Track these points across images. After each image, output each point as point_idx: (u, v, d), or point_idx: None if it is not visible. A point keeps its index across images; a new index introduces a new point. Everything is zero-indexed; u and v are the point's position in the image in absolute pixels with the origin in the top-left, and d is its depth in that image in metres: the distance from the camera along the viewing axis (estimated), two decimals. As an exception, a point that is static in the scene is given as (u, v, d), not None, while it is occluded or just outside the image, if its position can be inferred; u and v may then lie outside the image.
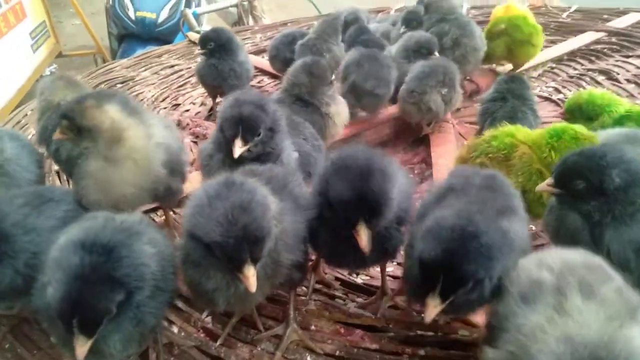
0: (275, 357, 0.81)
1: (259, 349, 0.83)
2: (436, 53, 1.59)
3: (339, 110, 1.28)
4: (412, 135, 1.61)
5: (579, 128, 1.04)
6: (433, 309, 0.65)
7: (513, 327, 0.58)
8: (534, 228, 1.10)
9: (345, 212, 0.72)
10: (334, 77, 1.31)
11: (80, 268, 0.63)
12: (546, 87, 1.88)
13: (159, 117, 1.08)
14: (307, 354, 0.82)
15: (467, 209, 0.69)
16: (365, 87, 1.48)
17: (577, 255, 0.65)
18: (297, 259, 0.76)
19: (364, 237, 0.72)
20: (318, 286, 0.98)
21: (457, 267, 0.62)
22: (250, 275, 0.65)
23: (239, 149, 0.86)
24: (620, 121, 1.20)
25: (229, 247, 0.63)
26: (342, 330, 0.86)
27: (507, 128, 1.09)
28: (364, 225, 0.72)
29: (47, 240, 0.78)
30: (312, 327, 0.87)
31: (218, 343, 0.84)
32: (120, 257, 0.65)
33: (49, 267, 0.66)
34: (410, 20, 1.81)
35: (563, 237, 0.86)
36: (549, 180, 0.83)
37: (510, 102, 1.31)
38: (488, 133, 1.10)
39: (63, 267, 0.63)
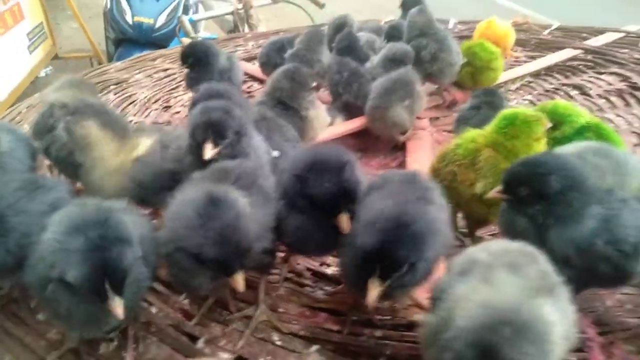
0: (244, 335, 0.88)
1: (231, 328, 0.90)
2: (409, 66, 1.66)
3: (318, 114, 1.36)
4: (391, 142, 1.69)
5: (526, 111, 1.13)
6: (374, 291, 0.73)
7: (446, 296, 0.65)
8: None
9: (329, 203, 0.83)
10: (315, 84, 1.39)
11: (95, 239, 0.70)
12: (522, 99, 1.98)
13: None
14: (274, 333, 0.89)
15: (398, 199, 0.78)
16: (357, 104, 1.65)
17: (516, 244, 0.73)
18: (267, 246, 0.84)
19: (346, 222, 0.82)
20: (290, 275, 1.04)
21: (393, 253, 0.71)
22: (240, 279, 0.76)
23: (209, 151, 0.92)
24: (580, 131, 1.28)
25: (224, 262, 0.74)
26: (308, 313, 0.93)
27: (469, 134, 1.16)
28: (345, 213, 0.82)
29: (36, 223, 0.85)
30: (281, 310, 0.94)
31: (193, 322, 0.90)
32: (120, 222, 0.73)
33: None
34: (392, 36, 1.90)
35: (513, 237, 0.94)
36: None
37: (483, 111, 1.39)
38: (453, 141, 1.18)
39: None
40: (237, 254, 0.73)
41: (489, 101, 1.42)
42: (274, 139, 1.12)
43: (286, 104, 1.31)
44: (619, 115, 1.76)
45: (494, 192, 0.93)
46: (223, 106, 0.97)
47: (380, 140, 1.72)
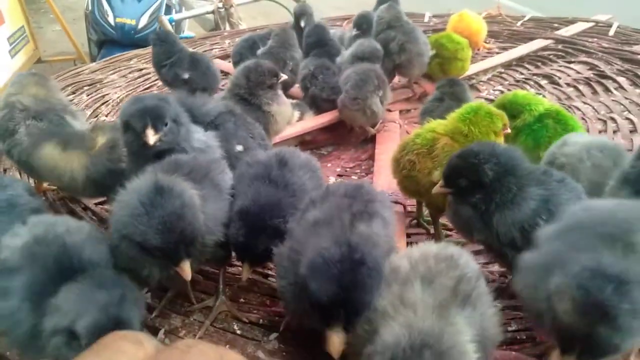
0: (204, 325, 0.90)
1: (191, 319, 0.92)
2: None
3: (281, 109, 1.39)
4: (362, 135, 1.71)
5: (491, 107, 1.17)
6: (338, 343, 0.65)
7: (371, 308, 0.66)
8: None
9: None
10: (276, 79, 1.40)
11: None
12: (493, 90, 2.01)
13: None
14: (234, 323, 0.91)
15: (338, 233, 0.71)
16: (322, 96, 1.69)
17: (433, 248, 0.75)
18: (220, 239, 0.86)
19: None
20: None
21: (359, 299, 0.64)
22: (186, 267, 0.77)
23: (152, 136, 0.91)
24: (540, 118, 1.31)
25: (169, 250, 0.75)
26: (268, 302, 0.95)
27: (429, 124, 1.19)
28: None
29: None
30: (241, 300, 0.96)
31: (153, 314, 0.92)
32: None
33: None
34: (361, 24, 1.92)
35: (461, 227, 0.99)
36: (441, 182, 0.96)
37: (446, 102, 1.42)
38: (413, 132, 1.21)
39: None
40: (182, 242, 0.74)
41: (452, 92, 1.45)
42: (240, 134, 1.13)
43: (247, 100, 1.33)
44: (586, 103, 1.79)
45: (437, 188, 0.96)
46: (156, 95, 0.97)
47: (352, 134, 1.74)
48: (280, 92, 1.41)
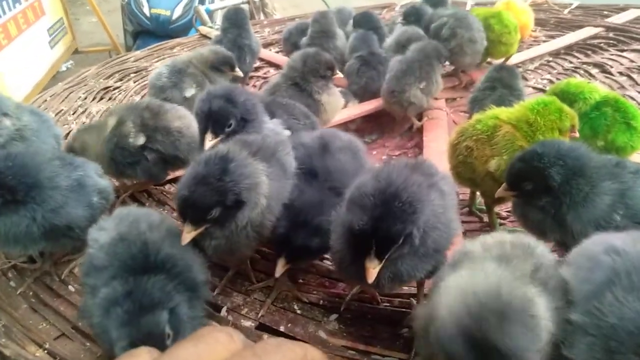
0: (265, 304, 0.91)
1: (252, 297, 0.93)
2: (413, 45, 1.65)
3: (330, 100, 1.39)
4: (407, 123, 1.69)
5: (564, 105, 1.13)
6: (373, 270, 0.69)
7: (437, 288, 0.63)
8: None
9: None
10: (331, 73, 1.40)
11: None
12: (541, 79, 1.95)
13: None
14: (294, 303, 0.92)
15: (383, 169, 0.75)
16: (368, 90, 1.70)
17: (513, 237, 0.69)
18: (276, 220, 0.86)
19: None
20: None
21: (386, 229, 0.67)
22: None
23: (209, 142, 0.94)
24: (597, 107, 1.27)
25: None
26: (327, 284, 0.96)
27: (492, 111, 1.16)
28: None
29: (64, 197, 0.89)
30: (300, 280, 0.97)
31: (215, 292, 0.93)
32: None
33: None
34: (410, 15, 1.90)
35: (532, 229, 0.96)
36: (504, 185, 0.93)
37: (498, 90, 1.39)
38: (474, 117, 1.18)
39: None
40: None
41: (503, 78, 1.41)
42: (285, 119, 1.14)
43: (300, 85, 1.33)
44: (640, 92, 1.73)
45: (501, 191, 0.94)
46: (226, 92, 0.98)
47: (397, 122, 1.73)
48: (331, 83, 1.40)
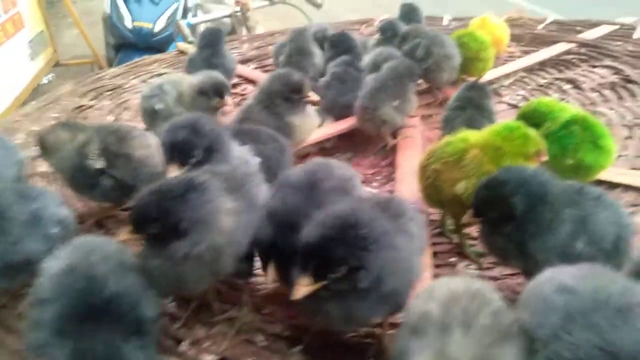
0: (228, 336, 0.89)
1: (216, 330, 0.92)
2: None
3: (304, 121, 1.38)
4: (381, 142, 1.69)
5: (531, 130, 1.14)
6: (302, 288, 0.70)
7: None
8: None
9: None
10: (299, 95, 1.37)
11: None
12: (515, 95, 1.97)
13: None
14: (258, 334, 0.91)
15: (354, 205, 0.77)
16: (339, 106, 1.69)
17: (463, 284, 0.68)
18: (242, 253, 0.85)
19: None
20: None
21: (329, 250, 0.68)
22: None
23: (172, 173, 0.93)
24: (566, 126, 1.28)
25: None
26: (293, 314, 0.94)
27: (462, 134, 1.17)
28: None
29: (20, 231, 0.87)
30: (266, 311, 0.96)
31: (178, 325, 0.92)
32: None
33: None
34: (387, 30, 1.91)
35: (497, 255, 0.97)
36: (470, 211, 0.94)
37: (468, 111, 1.40)
38: (444, 139, 1.19)
39: None
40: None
41: (473, 97, 1.42)
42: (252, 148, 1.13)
43: (270, 107, 1.32)
44: (611, 109, 1.75)
45: (467, 217, 0.95)
46: (191, 122, 0.97)
47: (371, 140, 1.73)
48: (303, 104, 1.39)
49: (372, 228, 0.70)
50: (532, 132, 1.11)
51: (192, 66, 1.74)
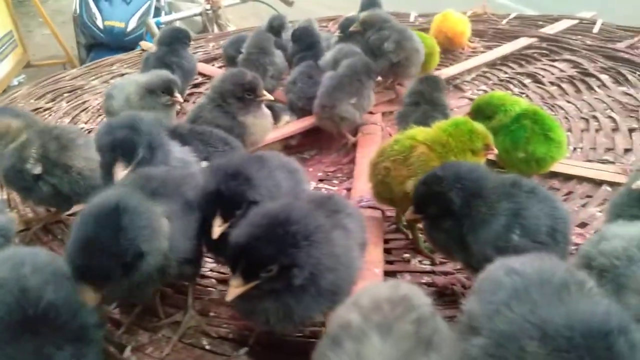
0: (171, 341, 0.88)
1: (159, 335, 0.91)
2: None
3: (257, 122, 1.36)
4: (343, 139, 1.69)
5: (478, 125, 1.15)
6: (234, 289, 0.69)
7: None
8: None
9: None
10: (252, 95, 1.36)
11: None
12: (477, 90, 1.99)
13: None
14: (203, 338, 0.90)
15: (285, 203, 0.76)
16: (298, 104, 1.68)
17: (387, 290, 0.66)
18: (186, 257, 0.84)
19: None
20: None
21: (257, 249, 0.68)
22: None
23: (120, 173, 0.91)
24: (517, 119, 1.31)
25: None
26: (238, 316, 0.94)
27: (410, 131, 1.18)
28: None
29: None
30: (212, 314, 0.95)
31: (120, 331, 0.91)
32: None
33: None
34: (346, 27, 1.91)
35: (439, 249, 1.00)
36: (411, 207, 0.96)
37: (422, 107, 1.41)
38: (393, 137, 1.20)
39: None
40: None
41: (425, 92, 1.43)
42: (202, 150, 1.12)
43: (222, 107, 1.31)
44: (569, 102, 1.78)
45: (409, 213, 0.97)
46: (128, 121, 0.95)
47: (334, 138, 1.73)
48: (256, 104, 1.38)
49: (303, 225, 0.70)
50: (479, 127, 1.13)
51: (146, 65, 1.72)
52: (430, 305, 0.66)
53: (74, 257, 0.71)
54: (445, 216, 0.88)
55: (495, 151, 1.16)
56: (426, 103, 1.41)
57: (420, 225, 1.19)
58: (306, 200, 0.83)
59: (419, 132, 1.14)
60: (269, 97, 1.39)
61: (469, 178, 0.88)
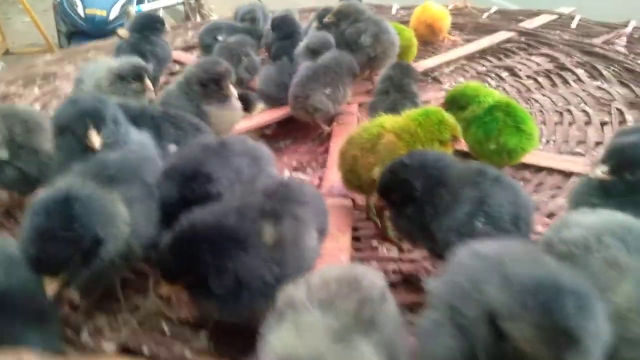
0: (130, 325, 0.87)
1: (118, 318, 0.89)
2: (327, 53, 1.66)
3: (220, 113, 1.34)
4: (318, 129, 1.69)
5: (448, 116, 1.15)
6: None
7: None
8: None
9: None
10: (221, 88, 1.33)
11: None
12: (455, 82, 1.99)
13: None
14: (163, 322, 0.89)
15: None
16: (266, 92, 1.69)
17: (336, 271, 0.67)
18: (151, 241, 0.84)
19: None
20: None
21: (168, 261, 0.72)
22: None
23: (96, 138, 0.89)
24: (489, 111, 1.31)
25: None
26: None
27: (379, 118, 1.18)
28: None
29: None
30: (173, 297, 0.93)
31: (78, 314, 0.89)
32: None
33: None
34: (324, 17, 1.89)
35: (404, 236, 0.99)
36: (377, 195, 0.96)
37: (391, 95, 1.40)
38: (362, 125, 1.19)
39: None
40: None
41: (395, 79, 1.44)
42: (172, 133, 1.10)
43: (189, 95, 1.30)
44: (544, 95, 1.80)
45: (375, 200, 0.97)
46: (90, 96, 0.96)
47: (310, 128, 1.72)
48: (224, 95, 1.34)
49: (213, 237, 0.72)
50: (449, 118, 1.13)
51: (119, 52, 1.70)
52: (382, 288, 0.67)
53: (28, 248, 0.70)
54: (408, 203, 0.89)
55: (463, 142, 1.16)
56: (396, 90, 1.40)
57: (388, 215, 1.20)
58: (259, 189, 0.82)
59: (387, 120, 1.14)
60: (234, 92, 1.35)
61: (435, 166, 0.88)
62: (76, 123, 0.91)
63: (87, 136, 0.90)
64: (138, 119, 1.08)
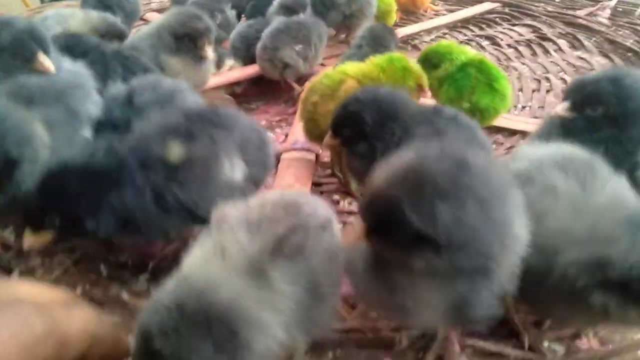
0: (64, 265, 0.83)
1: (53, 259, 0.85)
2: (301, 14, 1.61)
3: (182, 69, 1.23)
4: (290, 90, 1.63)
5: (413, 63, 1.11)
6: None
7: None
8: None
9: None
10: (200, 44, 1.24)
11: None
12: (435, 50, 1.95)
13: None
14: (101, 264, 0.85)
15: None
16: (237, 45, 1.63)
17: (278, 195, 0.64)
18: None
19: None
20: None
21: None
22: None
23: (49, 62, 0.83)
24: (462, 68, 1.26)
25: None
26: (144, 244, 0.88)
27: (342, 65, 1.13)
28: None
29: None
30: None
31: (9, 254, 0.84)
32: None
33: None
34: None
35: (355, 177, 0.95)
36: (329, 132, 0.90)
37: (363, 49, 1.35)
38: (324, 72, 1.14)
39: None
40: None
41: (368, 36, 1.39)
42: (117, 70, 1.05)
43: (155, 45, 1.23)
44: (524, 64, 1.76)
45: (327, 138, 0.91)
46: (27, 19, 0.89)
47: (281, 89, 1.67)
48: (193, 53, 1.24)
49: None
50: (414, 66, 1.08)
51: (85, 4, 1.62)
52: (326, 219, 0.63)
53: None
54: (359, 139, 0.84)
55: (429, 93, 1.12)
56: (369, 45, 1.35)
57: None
58: (181, 110, 0.79)
59: (350, 66, 1.09)
60: (210, 55, 1.26)
61: (387, 101, 0.84)
62: (20, 44, 0.81)
63: (37, 59, 0.82)
64: (90, 52, 1.03)
